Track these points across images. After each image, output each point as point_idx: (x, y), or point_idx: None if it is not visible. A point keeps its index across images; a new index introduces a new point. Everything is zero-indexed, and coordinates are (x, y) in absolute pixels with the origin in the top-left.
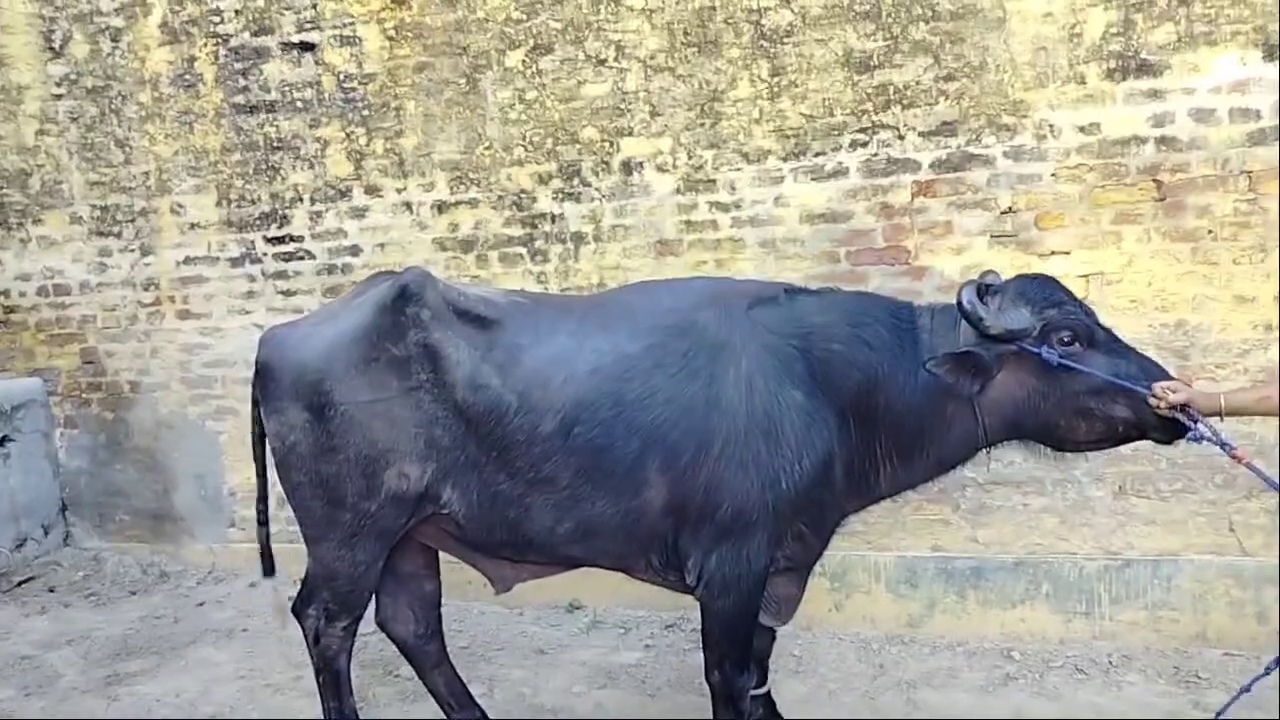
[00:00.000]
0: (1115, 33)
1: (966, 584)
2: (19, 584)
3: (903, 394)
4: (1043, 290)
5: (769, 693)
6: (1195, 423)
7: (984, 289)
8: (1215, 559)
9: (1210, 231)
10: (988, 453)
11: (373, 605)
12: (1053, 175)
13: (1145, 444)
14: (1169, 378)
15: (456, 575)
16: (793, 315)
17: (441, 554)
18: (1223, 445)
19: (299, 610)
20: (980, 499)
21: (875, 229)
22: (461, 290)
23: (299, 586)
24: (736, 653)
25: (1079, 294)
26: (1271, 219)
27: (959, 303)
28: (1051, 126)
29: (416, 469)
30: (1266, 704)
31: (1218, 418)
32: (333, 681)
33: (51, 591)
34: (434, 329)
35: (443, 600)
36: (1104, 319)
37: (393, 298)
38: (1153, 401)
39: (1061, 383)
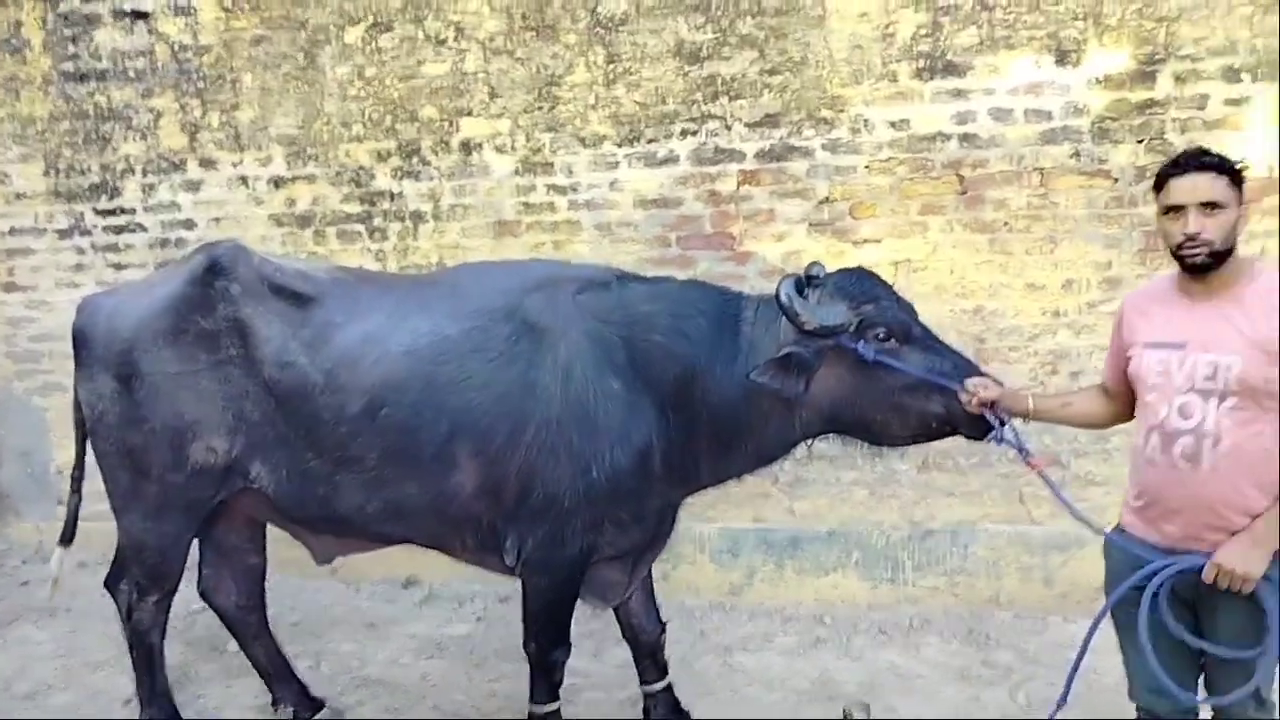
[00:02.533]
0: (924, 34)
1: (784, 553)
2: None
3: (720, 387)
4: (860, 285)
5: (670, 687)
6: (1001, 423)
7: (803, 283)
8: (1007, 528)
9: (1006, 224)
10: (808, 445)
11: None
12: (866, 168)
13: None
14: (982, 375)
15: (294, 552)
16: (619, 303)
17: (273, 530)
18: (1021, 450)
19: (111, 585)
20: (797, 473)
21: (704, 215)
22: (279, 265)
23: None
24: (552, 628)
25: (889, 281)
26: (1061, 213)
27: (777, 297)
28: (865, 121)
29: (224, 443)
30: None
31: (1024, 419)
32: (145, 656)
33: None
34: (244, 304)
35: (279, 576)
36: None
37: (203, 270)
38: (963, 398)
39: (878, 379)
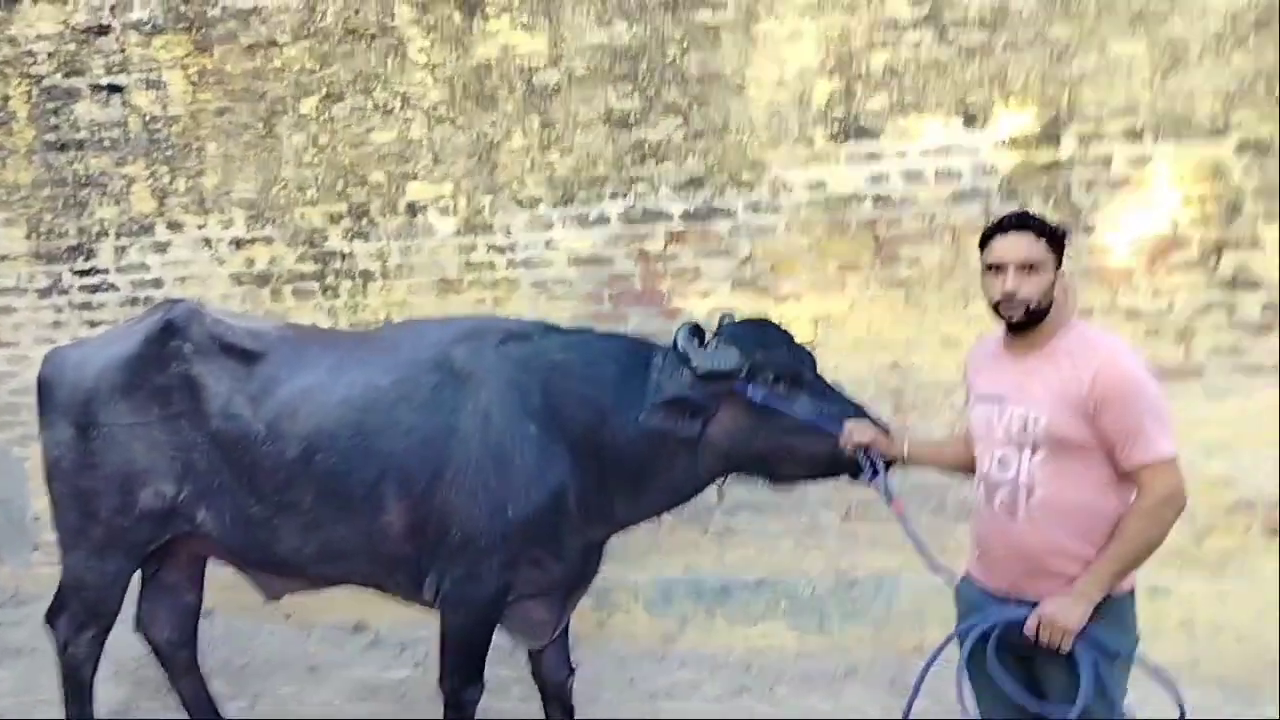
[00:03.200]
0: (838, 100)
1: (715, 602)
2: None
3: (627, 430)
4: (752, 333)
5: None
6: (872, 465)
7: (701, 331)
8: (930, 577)
9: (920, 281)
10: (719, 485)
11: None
12: (786, 227)
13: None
14: (870, 419)
15: (248, 597)
16: (538, 352)
17: (228, 577)
18: (885, 493)
19: (51, 619)
20: (726, 522)
21: (634, 273)
22: (230, 324)
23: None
24: (467, 666)
25: (809, 336)
26: (973, 270)
27: (674, 344)
28: (784, 183)
29: (172, 489)
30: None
31: (898, 462)
32: (75, 689)
33: None
34: (195, 362)
35: (233, 619)
36: (830, 359)
37: (159, 330)
38: (842, 440)
39: (768, 421)
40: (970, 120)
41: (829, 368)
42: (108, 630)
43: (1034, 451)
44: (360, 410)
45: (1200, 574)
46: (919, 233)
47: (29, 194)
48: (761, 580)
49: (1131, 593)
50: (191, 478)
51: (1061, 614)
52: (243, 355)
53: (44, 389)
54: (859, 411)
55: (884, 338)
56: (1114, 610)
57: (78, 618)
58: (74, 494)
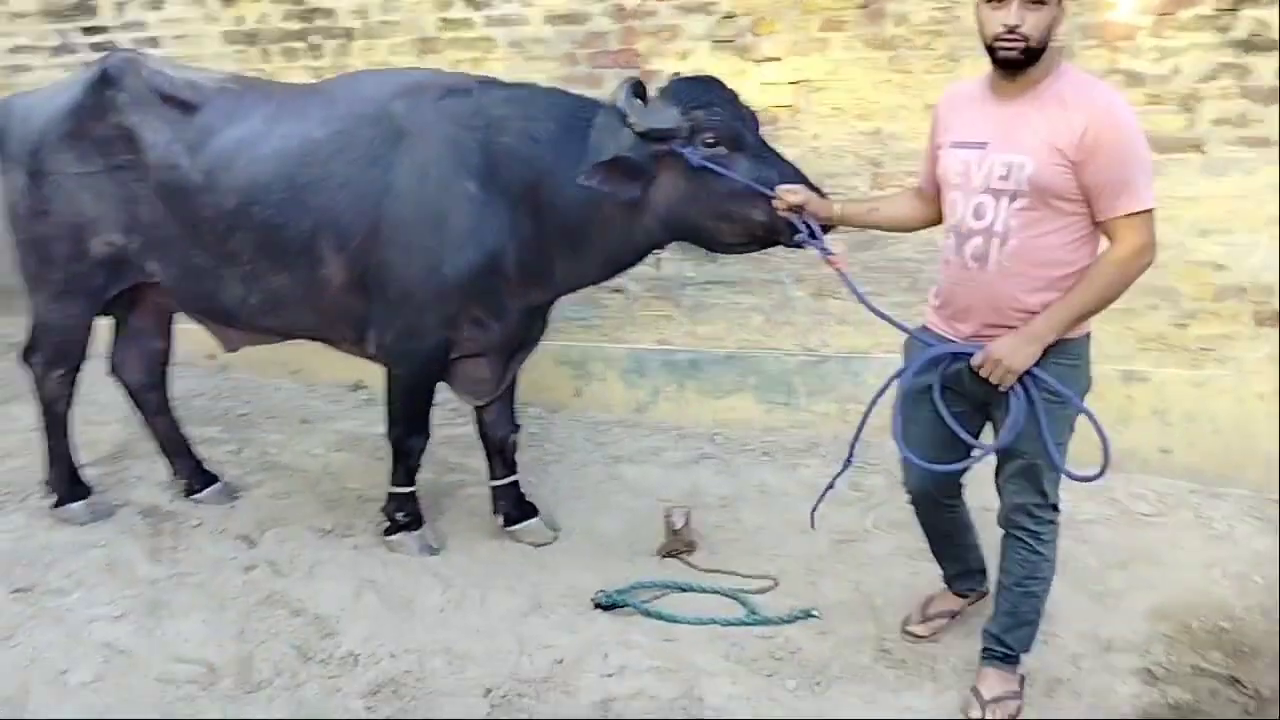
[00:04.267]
0: None
1: (685, 375)
2: None
3: (565, 190)
4: (694, 91)
5: (515, 483)
6: (807, 227)
7: (643, 88)
8: (899, 358)
9: (907, 39)
10: (656, 255)
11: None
12: None
13: (838, 248)
14: (809, 184)
15: (260, 354)
16: (478, 108)
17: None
18: (820, 249)
19: (26, 357)
20: (699, 297)
21: (610, 31)
22: (169, 75)
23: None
24: (410, 415)
25: (788, 101)
26: (965, 27)
27: (613, 101)
28: None
29: (121, 239)
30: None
31: (831, 223)
32: (52, 421)
33: None
34: (131, 112)
35: (244, 373)
36: (809, 127)
37: (94, 81)
38: (775, 204)
39: (706, 185)
40: None
41: (807, 136)
42: (77, 369)
43: (1013, 200)
44: (295, 163)
45: (1180, 361)
46: None
47: None
48: (731, 355)
49: (1087, 336)
50: (139, 229)
51: (1010, 353)
52: (180, 106)
53: None
54: (799, 176)
55: (866, 103)
56: (1067, 352)
57: (47, 356)
58: (31, 240)
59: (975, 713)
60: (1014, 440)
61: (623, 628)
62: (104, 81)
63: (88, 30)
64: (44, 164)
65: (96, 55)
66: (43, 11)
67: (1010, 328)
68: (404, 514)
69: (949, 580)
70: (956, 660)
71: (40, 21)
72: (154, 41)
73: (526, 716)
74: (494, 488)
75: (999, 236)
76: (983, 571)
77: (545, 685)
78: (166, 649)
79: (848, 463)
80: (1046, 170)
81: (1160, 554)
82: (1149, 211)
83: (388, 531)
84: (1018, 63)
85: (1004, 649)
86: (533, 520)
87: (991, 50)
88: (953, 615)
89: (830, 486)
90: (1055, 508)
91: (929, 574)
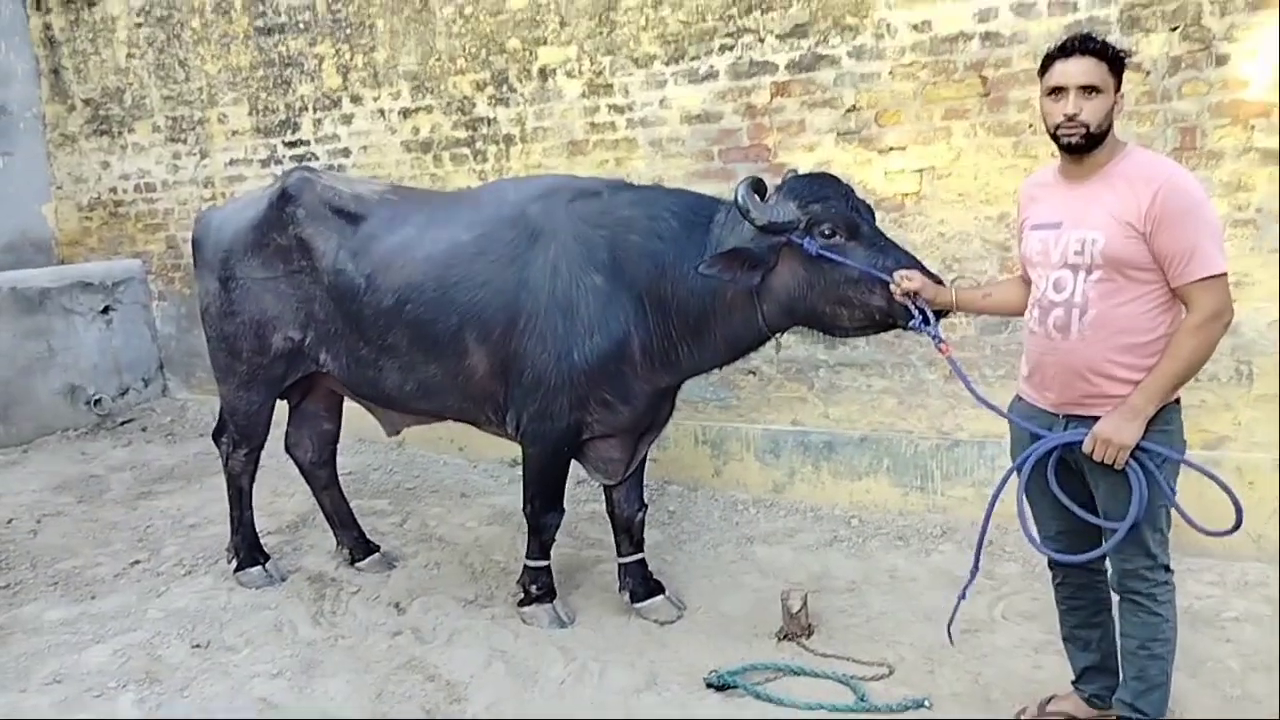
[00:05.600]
0: None
1: (820, 456)
2: (121, 424)
3: (686, 281)
4: (811, 186)
5: (642, 560)
6: (921, 312)
7: (762, 184)
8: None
9: (1030, 125)
10: (776, 339)
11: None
12: (890, 74)
13: (971, 331)
14: (924, 270)
15: (430, 432)
16: (606, 208)
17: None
18: (933, 337)
19: (216, 437)
20: (831, 379)
21: (741, 128)
22: (339, 189)
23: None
24: (545, 493)
25: (913, 189)
26: None
27: (735, 198)
28: (889, 25)
29: (298, 334)
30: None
31: (949, 310)
32: (236, 495)
33: (144, 431)
34: (307, 225)
35: (416, 450)
36: (935, 213)
37: (276, 198)
38: (892, 289)
39: (825, 272)
40: None
41: (934, 222)
42: (259, 448)
43: (1089, 273)
44: (443, 265)
45: None
46: (1029, 73)
47: (248, 75)
48: (865, 437)
49: (1177, 402)
50: (313, 324)
51: (1117, 433)
52: (347, 216)
53: (195, 246)
54: (915, 262)
55: (990, 189)
56: (1161, 420)
57: (234, 438)
58: (220, 336)
59: None
60: (1138, 513)
61: (732, 709)
62: (284, 198)
63: (290, 144)
64: (233, 270)
65: (297, 165)
66: (254, 129)
67: (1098, 396)
68: (537, 586)
69: (1077, 676)
70: None
71: (252, 137)
72: (345, 151)
73: None
74: (621, 564)
75: (1078, 307)
76: (1116, 676)
77: None
78: (313, 706)
79: (974, 571)
80: (1117, 242)
81: None
82: (1221, 276)
83: (521, 603)
84: (1080, 147)
85: (1138, 714)
86: (658, 598)
87: (1056, 138)
88: None
89: (962, 597)
90: (1167, 569)
91: (1054, 669)
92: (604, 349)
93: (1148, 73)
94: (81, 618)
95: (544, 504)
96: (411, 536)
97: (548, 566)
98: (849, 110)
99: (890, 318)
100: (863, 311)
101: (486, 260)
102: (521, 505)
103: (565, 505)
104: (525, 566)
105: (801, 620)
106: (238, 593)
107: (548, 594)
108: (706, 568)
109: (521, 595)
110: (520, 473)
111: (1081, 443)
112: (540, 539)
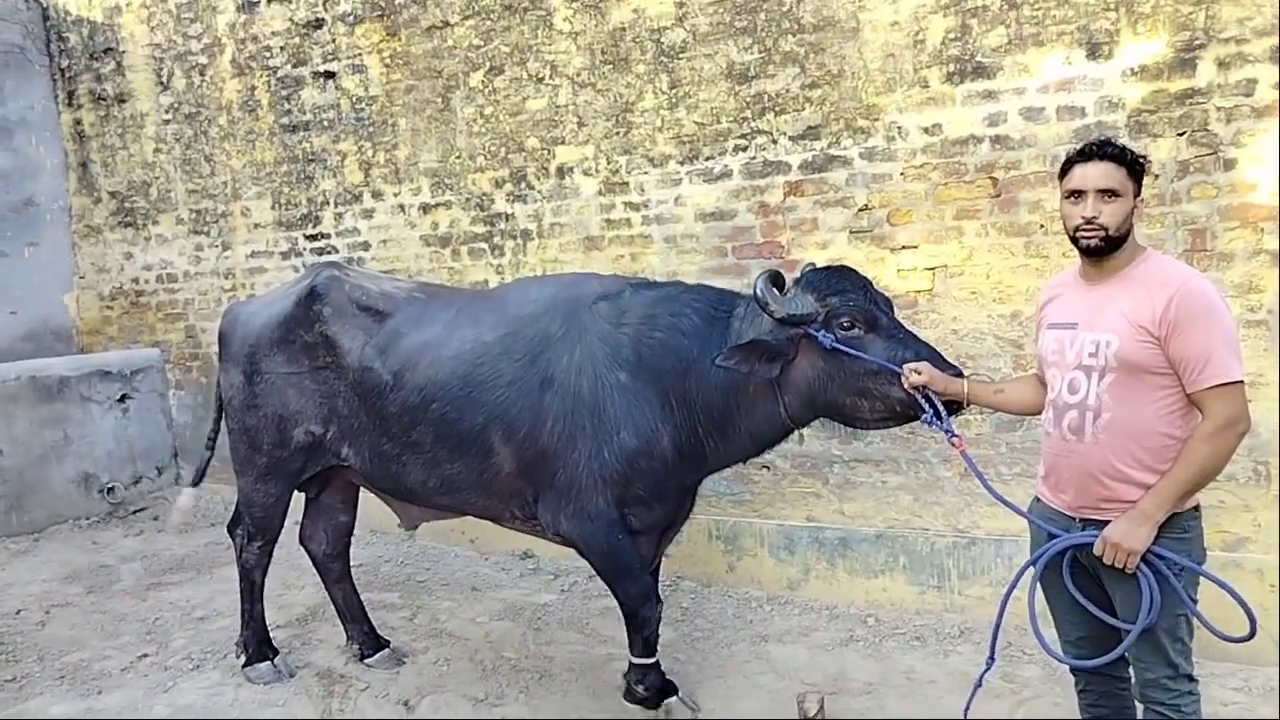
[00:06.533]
0: (954, 38)
1: (835, 553)
2: (133, 512)
3: (710, 376)
4: (829, 280)
5: (657, 664)
6: (931, 405)
7: (780, 278)
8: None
9: (1041, 226)
10: (800, 433)
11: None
12: (901, 174)
13: (986, 428)
14: (944, 362)
15: (442, 524)
16: (628, 307)
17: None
18: (946, 431)
19: (230, 530)
20: (845, 475)
21: (754, 225)
22: (366, 287)
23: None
24: (629, 583)
25: (925, 287)
26: None
27: (754, 291)
28: (900, 128)
29: (320, 429)
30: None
31: (962, 404)
32: (249, 588)
33: (155, 519)
34: (333, 322)
35: (428, 543)
36: (948, 310)
37: (304, 296)
38: (901, 381)
39: (843, 365)
40: (1094, 50)
41: (946, 319)
42: (274, 541)
43: (1103, 376)
44: (469, 364)
45: None
46: (1040, 175)
47: (272, 170)
48: (880, 534)
49: (1196, 509)
50: (336, 419)
51: (1126, 537)
52: (374, 314)
53: (222, 340)
54: (935, 355)
55: (1003, 288)
56: (1177, 526)
57: (249, 530)
58: (242, 429)
59: None
60: (1149, 618)
61: None
62: (312, 296)
63: (310, 237)
64: (259, 365)
65: (319, 259)
66: (275, 222)
67: (1113, 499)
68: (644, 687)
69: None
70: None
71: (274, 230)
72: (365, 245)
73: None
74: (632, 664)
75: (1093, 410)
76: None
77: None
78: None
79: (990, 662)
80: (1130, 346)
81: None
82: (1238, 384)
83: (628, 698)
84: (1099, 250)
85: None
86: (671, 698)
87: (1075, 240)
88: None
89: (978, 686)
90: (1191, 678)
91: None
92: (633, 446)
93: (1156, 176)
94: (87, 714)
95: (632, 595)
96: (422, 631)
97: (656, 664)
98: (861, 209)
99: (912, 409)
100: (883, 403)
101: (511, 359)
102: (619, 605)
103: (659, 595)
104: (631, 663)
105: None
106: (246, 689)
107: (656, 695)
108: (720, 667)
109: (626, 692)
110: (531, 566)
111: (1092, 545)
112: (641, 634)
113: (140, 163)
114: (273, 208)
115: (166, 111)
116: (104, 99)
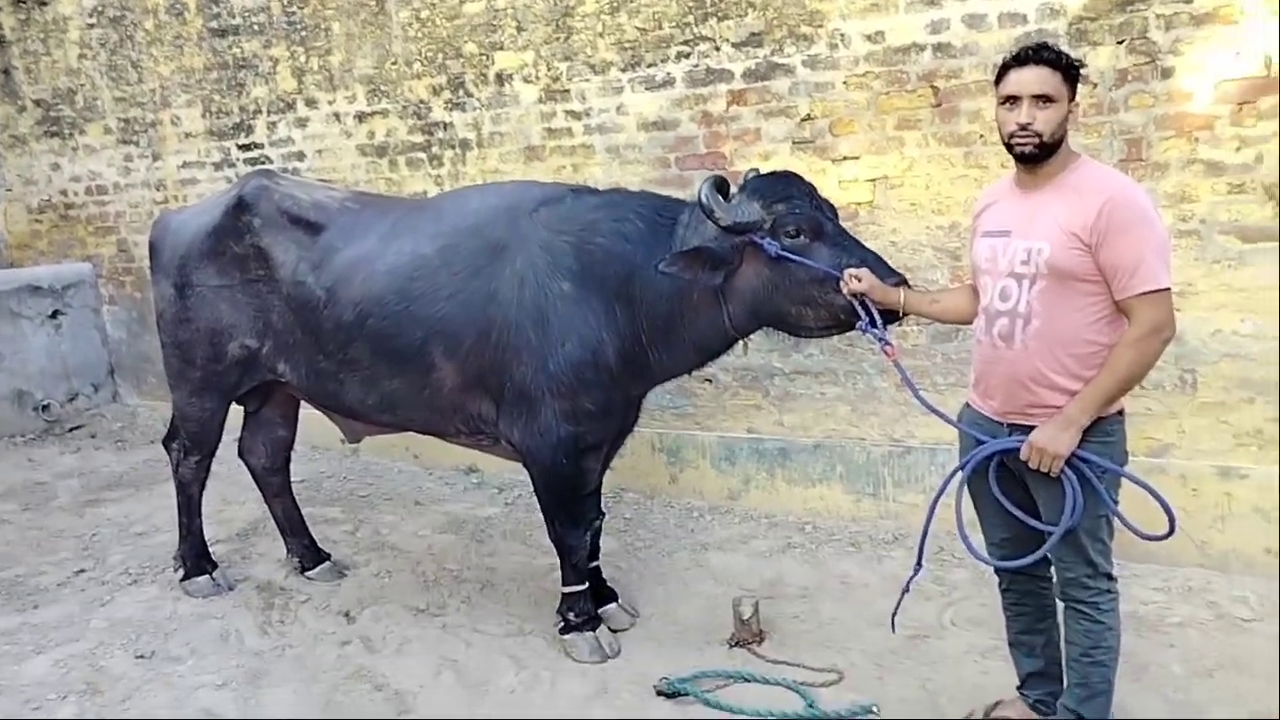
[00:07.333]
0: None
1: (775, 463)
2: (69, 430)
3: (654, 283)
4: (774, 186)
5: (597, 569)
6: (867, 312)
7: (725, 184)
8: None
9: (981, 136)
10: (745, 343)
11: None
12: (844, 83)
13: (922, 340)
14: (889, 269)
15: (385, 439)
16: (570, 214)
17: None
18: (880, 339)
19: (166, 443)
20: (785, 387)
21: (697, 136)
22: (298, 197)
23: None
24: (561, 512)
25: (866, 198)
26: None
27: (698, 198)
28: (843, 35)
29: (255, 343)
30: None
31: (899, 313)
32: (185, 502)
33: (93, 437)
34: (264, 234)
35: (371, 458)
36: (888, 222)
37: (232, 205)
38: (841, 287)
39: (789, 273)
40: None
41: (886, 231)
42: (210, 455)
43: (1034, 283)
44: (405, 277)
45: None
46: (980, 84)
47: (201, 77)
48: (819, 444)
49: (1120, 414)
50: (271, 334)
51: (1051, 442)
52: (307, 225)
53: (151, 250)
54: (880, 262)
55: (942, 199)
56: (1101, 431)
57: (185, 445)
58: (175, 343)
59: None
60: (1073, 520)
61: (682, 715)
62: (241, 206)
63: (243, 147)
64: (189, 277)
65: (251, 169)
66: (207, 131)
67: (1040, 405)
68: (575, 614)
69: (1022, 682)
70: None
71: (205, 140)
72: (300, 155)
73: None
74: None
75: (1023, 317)
76: (1060, 682)
77: None
78: (258, 716)
79: (918, 567)
80: (1062, 253)
81: (1254, 664)
82: (1164, 291)
83: (562, 631)
84: (1033, 157)
85: None
86: (610, 605)
87: (1009, 147)
88: None
89: (906, 590)
90: (1110, 576)
91: (1001, 675)
92: (578, 357)
93: (1095, 85)
94: (22, 628)
95: (563, 522)
96: (363, 545)
97: (584, 591)
98: (804, 119)
99: (856, 317)
100: (828, 311)
101: (450, 272)
102: (547, 531)
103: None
104: (561, 594)
105: (753, 627)
106: (184, 602)
107: (588, 622)
108: (660, 575)
109: (561, 624)
110: (475, 480)
111: (1018, 450)
112: (570, 561)
113: (65, 69)
114: (203, 116)
115: (90, 15)
116: (24, 1)
